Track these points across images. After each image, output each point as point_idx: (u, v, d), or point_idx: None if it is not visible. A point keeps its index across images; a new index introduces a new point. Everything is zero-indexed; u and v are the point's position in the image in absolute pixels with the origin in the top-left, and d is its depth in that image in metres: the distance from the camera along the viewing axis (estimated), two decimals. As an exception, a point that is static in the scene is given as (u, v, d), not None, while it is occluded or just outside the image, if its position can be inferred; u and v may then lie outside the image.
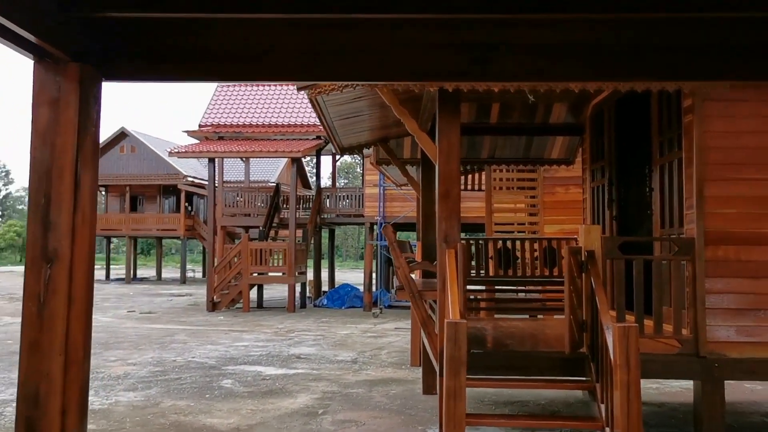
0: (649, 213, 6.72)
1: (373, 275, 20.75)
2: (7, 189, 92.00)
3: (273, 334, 14.32)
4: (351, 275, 37.04)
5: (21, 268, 50.80)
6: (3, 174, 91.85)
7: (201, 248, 49.43)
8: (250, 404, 7.74)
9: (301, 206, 23.19)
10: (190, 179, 36.51)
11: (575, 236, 7.72)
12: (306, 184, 42.82)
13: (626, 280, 5.47)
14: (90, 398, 8.01)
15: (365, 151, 11.59)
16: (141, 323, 16.23)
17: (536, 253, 8.19)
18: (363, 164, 20.59)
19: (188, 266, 39.83)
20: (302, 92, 5.40)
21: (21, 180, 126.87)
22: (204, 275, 42.96)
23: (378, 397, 8.18)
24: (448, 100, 5.60)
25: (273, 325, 16.15)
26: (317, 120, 22.72)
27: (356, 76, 3.39)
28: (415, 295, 5.56)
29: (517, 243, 8.27)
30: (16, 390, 7.79)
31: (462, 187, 15.08)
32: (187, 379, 9.27)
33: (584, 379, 5.33)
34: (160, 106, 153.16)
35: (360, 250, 78.58)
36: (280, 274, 20.19)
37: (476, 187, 12.85)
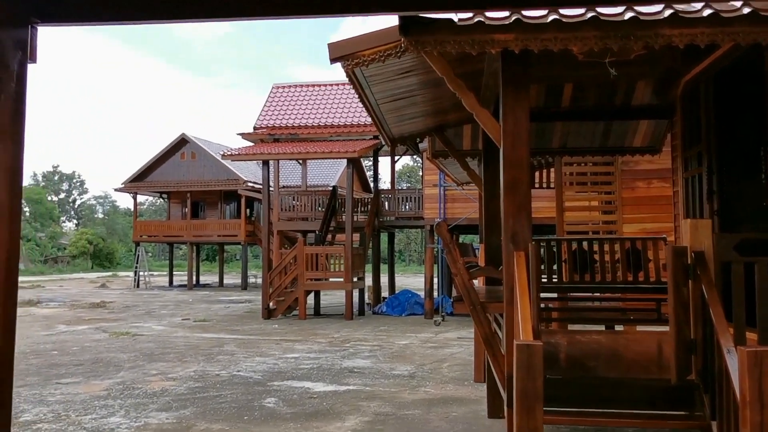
0: (765, 205, 5.51)
1: (435, 280, 19.72)
2: (81, 198, 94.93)
3: (327, 345, 13.47)
4: (414, 280, 36.07)
5: (92, 275, 51.88)
6: (78, 183, 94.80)
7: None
8: (292, 428, 6.85)
9: (359, 209, 22.33)
10: (250, 184, 36.25)
11: (663, 236, 6.57)
12: (366, 188, 42.07)
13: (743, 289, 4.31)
14: (117, 420, 7.29)
15: (420, 145, 10.62)
16: (192, 332, 15.66)
17: (617, 256, 7.05)
18: (423, 164, 19.58)
19: (250, 272, 39.59)
20: (337, 64, 4.47)
21: (94, 189, 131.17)
22: (265, 281, 42.67)
23: (436, 421, 7.18)
24: (514, 67, 4.58)
25: (328, 334, 15.31)
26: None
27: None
28: (476, 308, 4.54)
29: (595, 244, 7.14)
30: (43, 410, 6.98)
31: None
32: (227, 396, 8.46)
33: (694, 414, 4.21)
34: (219, 112, 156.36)
35: (423, 254, 77.58)
36: (337, 279, 19.37)
37: (544, 184, 11.68)
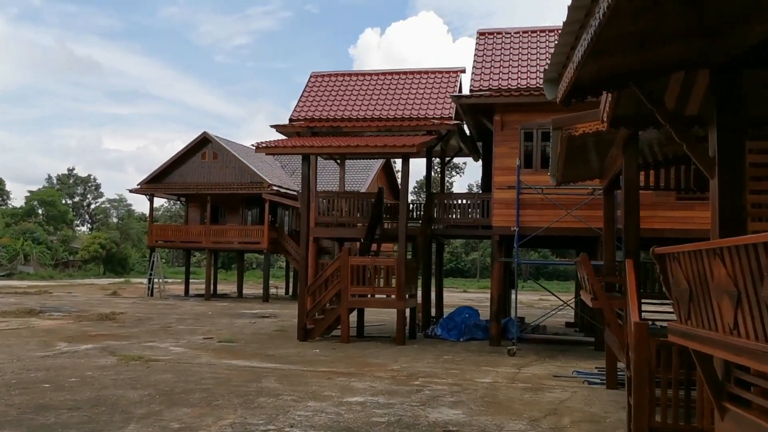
0: None
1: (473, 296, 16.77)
2: (96, 202, 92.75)
3: (391, 381, 10.59)
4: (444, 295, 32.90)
5: (103, 281, 49.21)
6: (93, 187, 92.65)
7: (284, 263, 46.37)
8: None
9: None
10: (275, 188, 33.52)
11: None
12: (397, 195, 39.09)
13: None
14: None
15: (550, 123, 7.81)
16: (219, 357, 12.81)
17: None
18: (493, 163, 16.63)
19: (270, 281, 36.74)
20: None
21: (109, 193, 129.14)
22: (287, 293, 39.67)
23: None
24: None
25: (384, 364, 12.43)
26: (428, 112, 19.04)
27: None
28: None
29: None
30: None
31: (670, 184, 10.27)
32: (289, 480, 5.62)
33: None
34: (242, 111, 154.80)
35: (451, 267, 74.11)
36: (386, 296, 16.51)
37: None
